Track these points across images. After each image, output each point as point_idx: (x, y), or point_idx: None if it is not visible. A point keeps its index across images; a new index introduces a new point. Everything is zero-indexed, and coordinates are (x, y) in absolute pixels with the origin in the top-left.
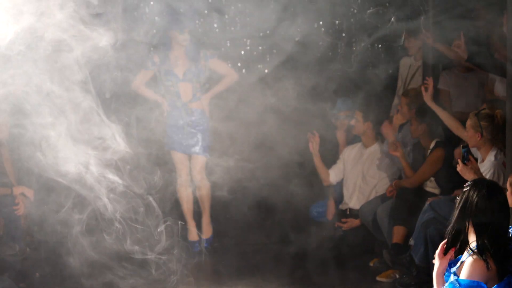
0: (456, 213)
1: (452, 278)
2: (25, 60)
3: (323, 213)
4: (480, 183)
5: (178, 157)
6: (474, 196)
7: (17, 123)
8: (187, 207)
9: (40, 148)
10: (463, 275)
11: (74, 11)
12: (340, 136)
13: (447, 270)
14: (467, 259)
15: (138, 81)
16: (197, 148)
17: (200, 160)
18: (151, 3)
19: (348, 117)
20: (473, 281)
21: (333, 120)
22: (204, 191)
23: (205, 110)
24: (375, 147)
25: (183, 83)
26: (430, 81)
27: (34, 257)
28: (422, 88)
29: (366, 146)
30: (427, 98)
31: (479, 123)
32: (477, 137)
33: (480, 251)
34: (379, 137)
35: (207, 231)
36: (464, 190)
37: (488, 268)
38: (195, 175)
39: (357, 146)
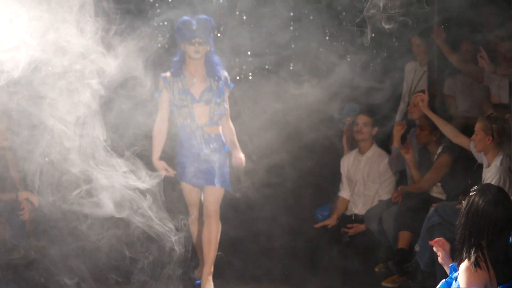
0: (462, 219)
1: (455, 284)
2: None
3: (328, 216)
4: (487, 188)
5: (190, 190)
6: (480, 201)
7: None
8: (197, 240)
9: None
10: (461, 283)
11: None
12: (346, 141)
13: (449, 277)
14: (461, 265)
15: (158, 123)
16: (214, 180)
17: (215, 191)
18: (158, 10)
19: (355, 123)
20: None
21: (340, 125)
22: (213, 234)
23: (222, 135)
24: (371, 151)
25: (199, 105)
26: (425, 96)
27: (39, 261)
28: (418, 100)
29: (362, 152)
30: (424, 107)
31: (490, 126)
32: (488, 140)
33: (475, 257)
34: (374, 140)
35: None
36: (470, 195)
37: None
38: (207, 207)
39: (353, 154)
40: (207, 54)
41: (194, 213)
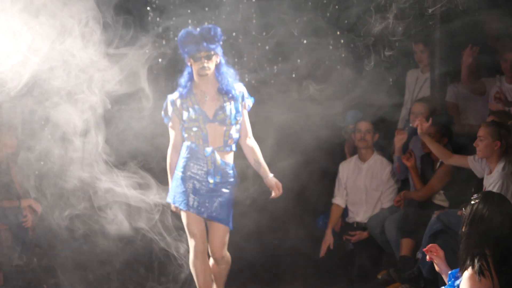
0: (466, 228)
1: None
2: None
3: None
4: (490, 196)
5: (195, 220)
6: (484, 209)
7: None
8: (205, 282)
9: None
10: None
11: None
12: (349, 149)
13: (448, 284)
14: (465, 273)
15: (171, 154)
16: (220, 214)
17: (222, 230)
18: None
19: (358, 130)
20: None
21: (342, 133)
22: (223, 266)
23: (234, 165)
24: (373, 159)
25: (213, 125)
26: (425, 123)
27: (42, 268)
28: (416, 124)
29: (363, 160)
30: (421, 133)
31: (498, 131)
32: (495, 145)
33: (478, 265)
34: (374, 147)
35: None
36: (472, 203)
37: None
38: (214, 250)
39: (352, 160)
40: (217, 67)
41: (199, 246)
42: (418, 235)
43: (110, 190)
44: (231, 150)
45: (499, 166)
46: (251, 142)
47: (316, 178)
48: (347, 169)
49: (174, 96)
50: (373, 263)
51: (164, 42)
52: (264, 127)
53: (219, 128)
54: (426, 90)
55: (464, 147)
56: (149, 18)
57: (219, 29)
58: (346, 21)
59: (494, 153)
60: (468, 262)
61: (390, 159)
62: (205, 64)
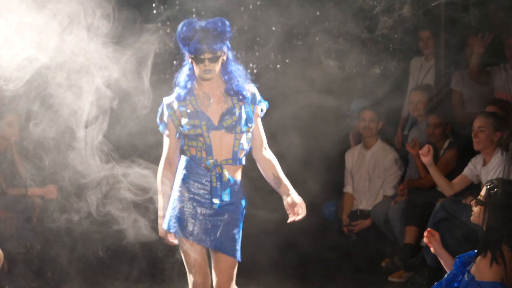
0: (488, 216)
1: (466, 276)
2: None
3: (334, 212)
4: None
5: (193, 249)
6: (506, 196)
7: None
8: None
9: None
10: (478, 276)
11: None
12: (353, 138)
13: (458, 268)
14: (479, 258)
15: (163, 169)
16: (225, 243)
17: (229, 263)
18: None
19: (362, 119)
20: (494, 283)
21: (348, 121)
22: None
23: (241, 181)
24: (377, 146)
25: (219, 133)
26: (431, 151)
27: (46, 256)
28: (421, 153)
29: (367, 147)
30: (427, 162)
31: (499, 122)
32: (495, 136)
33: (493, 252)
34: (379, 135)
35: None
36: (491, 191)
37: (495, 265)
38: (220, 286)
39: (357, 149)
40: (224, 65)
41: (199, 282)
42: (422, 223)
43: (111, 182)
44: (240, 164)
45: (496, 154)
46: (267, 154)
47: (320, 165)
48: (352, 157)
49: (170, 98)
50: (376, 251)
51: (169, 31)
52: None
53: (227, 137)
54: (430, 77)
55: (468, 136)
56: (154, 7)
57: (227, 24)
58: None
59: (492, 144)
60: (485, 248)
61: (393, 145)
62: (209, 67)
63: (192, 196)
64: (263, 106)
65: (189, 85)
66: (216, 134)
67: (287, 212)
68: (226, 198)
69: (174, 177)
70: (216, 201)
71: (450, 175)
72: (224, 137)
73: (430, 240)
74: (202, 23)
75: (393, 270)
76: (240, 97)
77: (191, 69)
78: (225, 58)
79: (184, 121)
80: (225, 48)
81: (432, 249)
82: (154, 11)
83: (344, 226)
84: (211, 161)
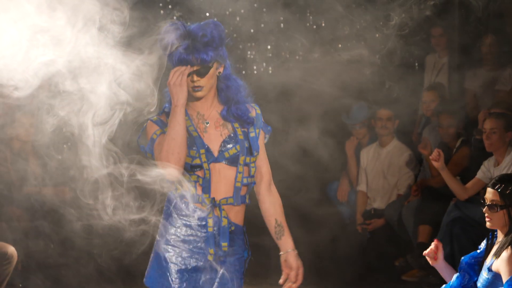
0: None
1: (486, 274)
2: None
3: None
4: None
5: None
6: None
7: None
8: None
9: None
10: (504, 271)
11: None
12: (350, 147)
13: (465, 270)
14: (503, 253)
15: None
16: None
17: None
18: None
19: (364, 126)
20: None
21: (349, 127)
22: None
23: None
24: (392, 145)
25: (220, 166)
26: (441, 155)
27: (59, 254)
28: (431, 158)
29: (382, 145)
30: (439, 166)
31: (509, 122)
32: (507, 137)
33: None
34: (394, 134)
35: None
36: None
37: None
38: None
39: (373, 147)
40: (221, 79)
41: None
42: (436, 222)
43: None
44: (243, 203)
45: (509, 154)
46: (272, 193)
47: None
48: (367, 155)
49: (158, 117)
50: (390, 250)
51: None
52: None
53: (227, 170)
54: (443, 75)
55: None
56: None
57: (221, 28)
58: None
59: (504, 144)
60: (507, 243)
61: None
62: (199, 83)
63: (180, 244)
64: (267, 131)
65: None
66: (215, 167)
67: (282, 270)
68: (225, 247)
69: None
70: (212, 251)
71: (462, 174)
72: (224, 170)
73: (438, 253)
74: (189, 27)
75: (406, 269)
76: (243, 120)
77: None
78: (221, 70)
79: None
80: (219, 58)
81: (431, 262)
82: (161, 11)
83: (358, 225)
84: (208, 199)
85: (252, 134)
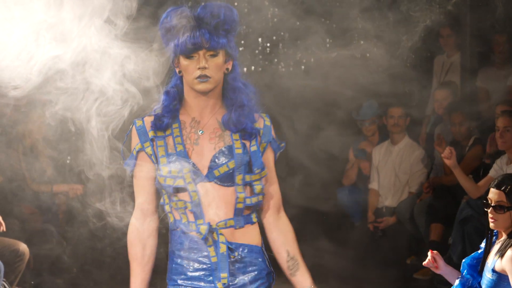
0: None
1: (490, 275)
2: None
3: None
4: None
5: None
6: None
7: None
8: None
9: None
10: (510, 270)
11: None
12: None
13: (468, 271)
14: (507, 252)
15: (133, 228)
16: None
17: None
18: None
19: (374, 122)
20: None
21: (359, 124)
22: None
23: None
24: (404, 142)
25: (210, 186)
26: (453, 153)
27: (72, 252)
28: (444, 156)
29: (394, 143)
30: (451, 164)
31: None
32: None
33: None
34: (406, 132)
35: None
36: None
37: None
38: None
39: (384, 145)
40: (227, 78)
41: None
42: (448, 220)
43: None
44: (249, 223)
45: None
46: (282, 220)
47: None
48: (378, 153)
49: (146, 122)
50: (402, 248)
51: None
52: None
53: (223, 190)
54: (452, 75)
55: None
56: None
57: (234, 12)
58: None
59: None
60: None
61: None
62: (205, 71)
63: (189, 283)
64: (276, 147)
65: (173, 106)
66: (205, 188)
67: None
68: (224, 279)
69: (151, 238)
70: (220, 285)
71: (475, 172)
72: (217, 191)
73: (437, 263)
74: (196, 8)
75: (418, 267)
76: (245, 131)
77: (178, 84)
78: (229, 67)
79: (161, 164)
80: (229, 49)
81: (435, 270)
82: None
83: (370, 223)
84: (203, 226)
85: (253, 148)
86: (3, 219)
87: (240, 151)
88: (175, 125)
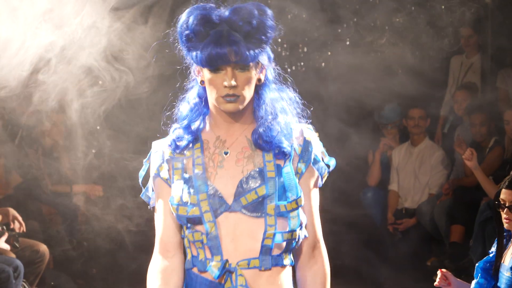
0: None
1: (510, 274)
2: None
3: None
4: None
5: None
6: None
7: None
8: None
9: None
10: None
11: None
12: (383, 148)
13: (482, 275)
14: None
15: (154, 267)
16: None
17: None
18: None
19: (396, 126)
20: None
21: (381, 127)
22: None
23: None
24: (424, 144)
25: (235, 216)
26: (474, 154)
27: (91, 252)
28: (464, 158)
29: (414, 144)
30: (472, 166)
31: None
32: None
33: None
34: (426, 133)
35: None
36: None
37: None
38: None
39: (404, 146)
40: (258, 90)
41: None
42: (468, 222)
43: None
44: (280, 265)
45: None
46: (316, 259)
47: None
48: (399, 154)
49: (163, 144)
50: (422, 250)
51: None
52: None
53: (250, 223)
54: (471, 75)
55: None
56: None
57: (268, 13)
58: None
59: None
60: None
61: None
62: (234, 90)
63: None
64: (323, 168)
65: (196, 124)
66: (228, 217)
67: None
68: None
69: (179, 278)
70: None
71: (495, 173)
72: (242, 222)
73: (448, 280)
74: (224, 11)
75: (438, 268)
76: (282, 151)
77: (201, 95)
78: (262, 77)
79: (175, 191)
80: (263, 59)
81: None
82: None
83: (389, 224)
84: (216, 263)
85: (286, 170)
86: (23, 220)
87: (273, 174)
88: (196, 145)
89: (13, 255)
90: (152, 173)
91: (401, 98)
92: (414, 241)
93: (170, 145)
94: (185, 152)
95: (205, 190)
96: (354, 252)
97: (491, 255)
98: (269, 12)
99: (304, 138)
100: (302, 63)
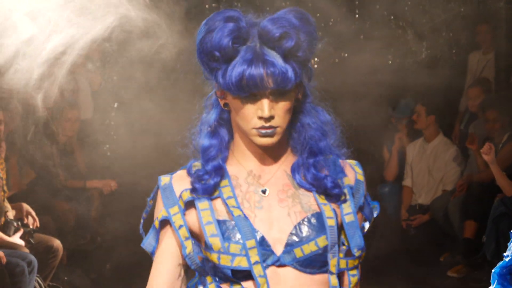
0: None
1: None
2: None
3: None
4: None
5: None
6: None
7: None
8: None
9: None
10: None
11: None
12: (400, 142)
13: (498, 281)
14: None
15: None
16: None
17: None
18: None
19: (411, 121)
20: None
21: (393, 121)
22: None
23: None
24: (438, 140)
25: (284, 272)
26: (492, 148)
27: (105, 248)
28: (483, 152)
29: (428, 140)
30: (489, 160)
31: None
32: None
33: None
34: (440, 130)
35: None
36: None
37: None
38: None
39: (419, 142)
40: (298, 113)
41: None
42: (482, 218)
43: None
44: None
45: None
46: None
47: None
48: (413, 150)
49: (173, 178)
50: (435, 246)
51: None
52: None
53: (304, 281)
54: (488, 71)
55: None
56: None
57: (311, 20)
58: None
59: None
60: None
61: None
62: (268, 123)
63: None
64: (369, 209)
65: (221, 158)
66: (276, 273)
67: None
68: None
69: None
70: None
71: (508, 169)
72: (298, 277)
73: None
74: (256, 21)
75: (452, 264)
76: (333, 193)
77: (225, 118)
78: (300, 96)
79: (208, 236)
80: (304, 76)
81: None
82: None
83: (403, 220)
84: None
85: (349, 218)
86: (37, 215)
87: (333, 222)
88: (223, 183)
89: (27, 250)
90: (159, 215)
91: (418, 94)
92: (427, 237)
93: (192, 190)
94: (211, 192)
95: (253, 237)
96: (367, 248)
97: (507, 260)
98: (312, 20)
99: (356, 178)
100: (316, 59)
